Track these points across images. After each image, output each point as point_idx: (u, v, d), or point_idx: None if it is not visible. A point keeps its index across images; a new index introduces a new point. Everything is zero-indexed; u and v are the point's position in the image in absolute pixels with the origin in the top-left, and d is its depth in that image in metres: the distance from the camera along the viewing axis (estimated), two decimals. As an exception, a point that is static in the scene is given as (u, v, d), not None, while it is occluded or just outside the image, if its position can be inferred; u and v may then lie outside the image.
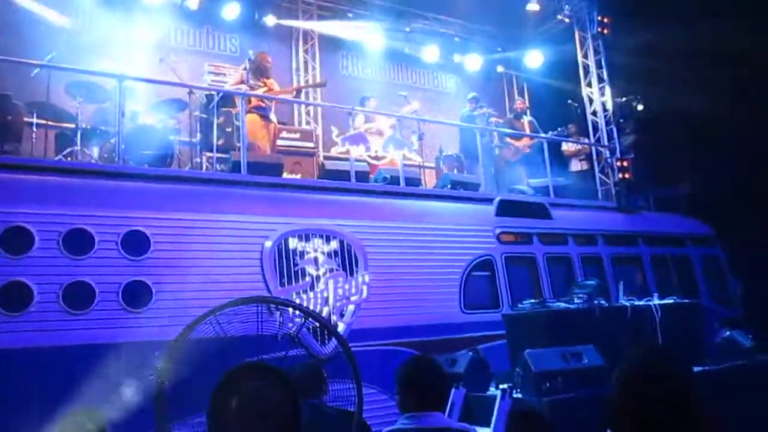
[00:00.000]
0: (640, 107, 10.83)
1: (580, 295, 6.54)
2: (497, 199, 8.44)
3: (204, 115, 8.33)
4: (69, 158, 6.95)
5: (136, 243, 5.77)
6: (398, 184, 8.13)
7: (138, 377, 4.80)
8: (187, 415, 2.92)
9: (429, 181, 10.07)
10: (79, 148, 7.03)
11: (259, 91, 8.37)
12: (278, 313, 5.24)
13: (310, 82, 10.89)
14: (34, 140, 7.04)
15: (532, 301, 6.77)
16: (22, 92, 7.32)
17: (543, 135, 10.46)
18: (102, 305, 5.49)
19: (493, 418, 5.24)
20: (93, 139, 7.34)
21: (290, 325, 5.89)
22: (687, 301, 7.27)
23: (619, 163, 10.43)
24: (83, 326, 5.37)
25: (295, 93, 9.66)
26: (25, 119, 7.10)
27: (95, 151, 7.31)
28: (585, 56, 11.31)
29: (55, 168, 6.22)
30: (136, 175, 6.40)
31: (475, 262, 7.67)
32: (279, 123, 9.01)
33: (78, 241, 5.53)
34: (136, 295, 5.64)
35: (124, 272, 5.65)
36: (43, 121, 7.28)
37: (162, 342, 5.29)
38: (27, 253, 5.30)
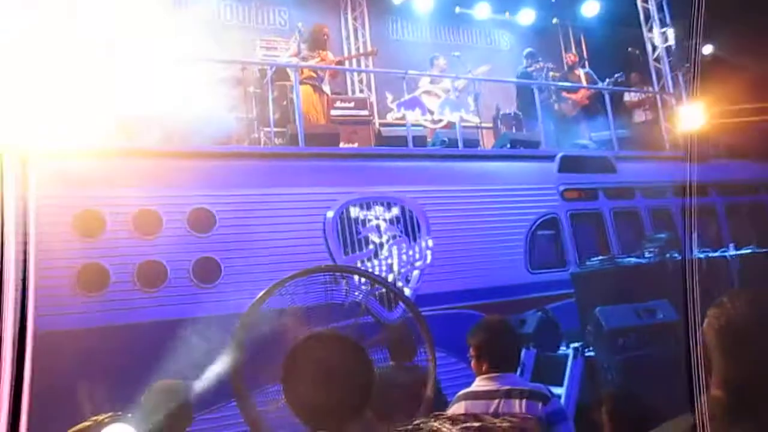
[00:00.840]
0: (706, 50, 10.30)
1: (651, 249, 6.37)
2: (559, 156, 8.23)
3: (258, 90, 8.37)
4: (132, 141, 7.13)
5: (202, 220, 5.91)
6: (456, 146, 8.01)
7: (213, 351, 4.94)
8: (264, 384, 2.97)
9: (488, 141, 9.89)
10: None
11: (312, 62, 8.36)
12: (344, 281, 5.29)
13: (361, 50, 10.79)
14: (98, 126, 7.25)
15: (601, 257, 6.63)
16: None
17: (602, 85, 10.10)
18: (174, 282, 5.67)
19: (566, 378, 5.20)
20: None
21: (356, 293, 5.95)
22: (765, 250, 6.95)
23: (685, 111, 9.98)
24: (157, 303, 5.56)
25: (344, 62, 9.61)
26: (89, 106, 7.31)
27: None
28: (645, 1, 10.79)
29: (120, 151, 6.39)
30: (198, 153, 6.51)
31: (539, 221, 7.54)
32: (333, 93, 8.99)
33: (147, 222, 5.70)
34: (206, 271, 5.80)
35: (192, 249, 5.81)
36: (106, 107, 7.48)
37: (233, 316, 5.43)
38: (101, 235, 5.49)
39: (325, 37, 8.68)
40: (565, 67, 10.96)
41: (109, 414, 2.30)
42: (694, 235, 6.85)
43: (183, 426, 3.72)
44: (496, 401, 2.69)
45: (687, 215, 8.25)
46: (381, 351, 3.91)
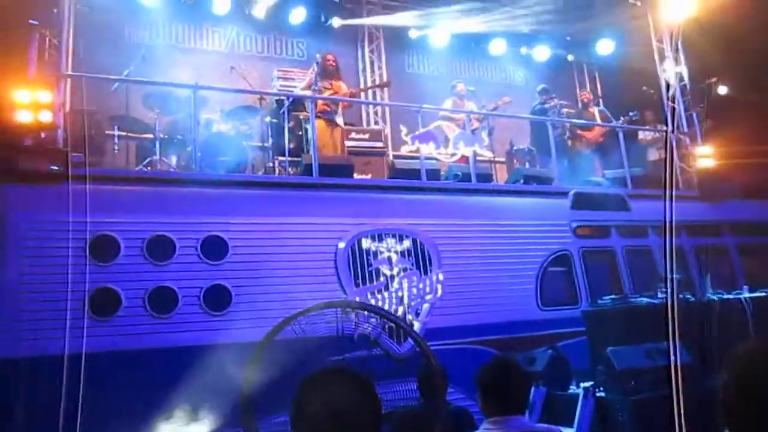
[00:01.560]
0: (721, 90, 10.33)
1: (664, 290, 6.30)
2: (572, 192, 8.22)
3: (275, 120, 8.47)
4: (149, 167, 7.22)
5: (214, 248, 5.95)
6: (469, 180, 8.03)
7: (222, 379, 4.94)
8: (271, 415, 2.97)
9: (501, 176, 9.91)
10: (158, 157, 7.29)
11: (326, 94, 8.46)
12: (354, 314, 5.28)
13: (377, 81, 10.91)
14: (116, 151, 7.36)
15: (613, 296, 6.58)
16: (103, 107, 7.67)
17: (616, 123, 10.13)
18: (184, 309, 5.69)
19: (576, 418, 5.13)
20: (170, 149, 7.60)
21: (366, 326, 5.94)
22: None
23: (699, 150, 9.98)
24: (167, 329, 5.58)
25: (359, 94, 9.72)
26: (107, 132, 7.43)
27: (173, 160, 7.56)
28: (660, 40, 10.87)
29: (137, 178, 6.47)
30: (213, 181, 6.57)
31: (551, 258, 7.51)
32: (347, 124, 9.07)
33: (160, 248, 5.74)
34: (217, 298, 5.81)
35: (204, 276, 5.83)
36: (124, 133, 7.62)
37: (242, 344, 5.44)
38: (114, 260, 5.54)
39: (333, 65, 8.78)
40: (580, 105, 11.00)
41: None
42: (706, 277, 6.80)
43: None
44: None
45: (699, 255, 8.19)
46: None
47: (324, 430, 1.87)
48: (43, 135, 6.05)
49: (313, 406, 1.89)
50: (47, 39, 6.57)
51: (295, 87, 9.56)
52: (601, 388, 5.24)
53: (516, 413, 2.76)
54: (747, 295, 6.55)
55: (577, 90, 12.75)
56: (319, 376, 1.98)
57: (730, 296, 6.44)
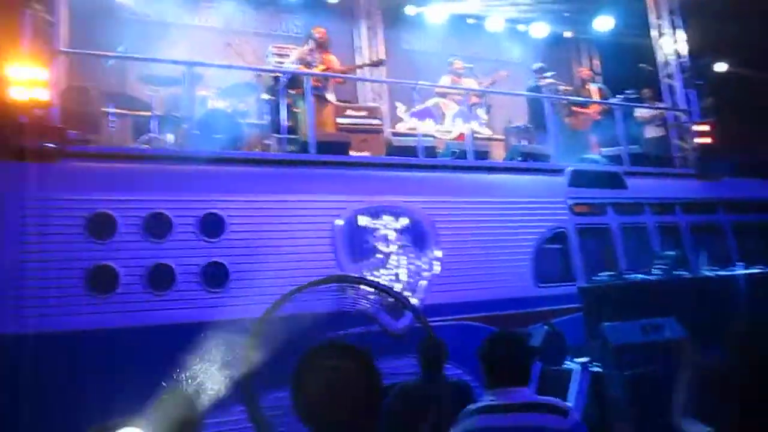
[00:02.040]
0: (719, 68, 10.30)
1: (659, 266, 6.36)
2: (569, 170, 8.23)
3: (271, 97, 8.43)
4: (146, 145, 7.20)
5: (212, 225, 5.94)
6: (466, 157, 8.03)
7: (222, 355, 4.98)
8: (271, 388, 3.00)
9: (498, 153, 9.91)
10: (154, 134, 7.26)
11: (318, 69, 8.40)
12: (351, 291, 5.32)
13: (373, 59, 10.83)
14: (112, 129, 7.33)
15: (608, 273, 6.62)
16: (99, 84, 7.62)
17: (612, 101, 10.11)
18: (182, 286, 5.70)
19: (571, 392, 5.20)
20: (167, 126, 7.56)
21: (363, 302, 5.98)
22: (775, 269, 6.93)
23: (697, 128, 9.98)
24: (166, 306, 5.60)
25: (354, 71, 9.66)
26: (103, 109, 7.39)
27: (169, 137, 7.53)
28: (658, 16, 10.80)
29: (134, 155, 6.45)
30: (209, 158, 6.54)
31: (547, 235, 7.53)
32: (341, 101, 9.01)
33: (157, 225, 5.74)
34: (214, 275, 5.82)
35: (202, 254, 5.84)
36: (120, 110, 7.57)
37: (240, 320, 5.48)
38: (112, 237, 5.54)
39: (323, 38, 8.68)
40: (578, 82, 10.96)
41: (121, 419, 2.32)
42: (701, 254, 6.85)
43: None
44: (512, 414, 2.69)
45: (695, 233, 8.21)
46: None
47: (324, 403, 1.90)
48: (38, 112, 6.00)
49: (313, 381, 1.92)
50: (40, 15, 6.49)
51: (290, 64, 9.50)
52: (596, 364, 5.30)
53: (518, 385, 2.79)
54: (741, 271, 6.61)
55: (574, 67, 12.71)
56: (318, 351, 2.01)
57: (724, 273, 6.50)
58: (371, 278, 6.34)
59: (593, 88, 10.71)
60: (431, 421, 3.46)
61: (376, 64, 10.07)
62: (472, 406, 2.84)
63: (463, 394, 4.06)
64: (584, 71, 11.26)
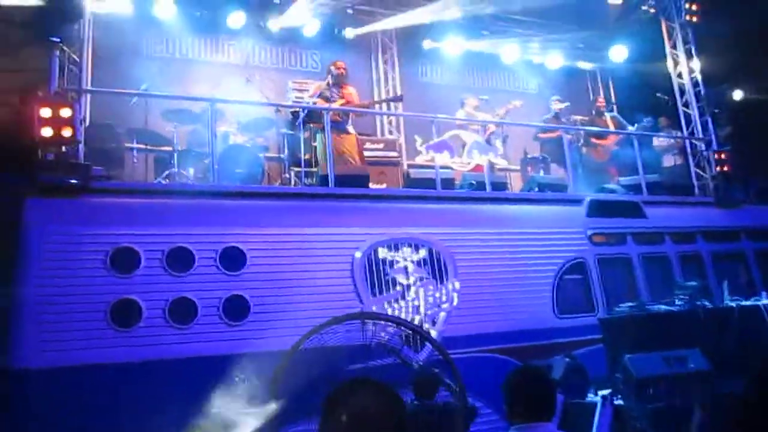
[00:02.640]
0: (736, 96, 10.29)
1: (681, 297, 6.29)
2: (587, 200, 8.22)
3: (290, 132, 8.56)
4: (167, 180, 7.32)
5: (232, 258, 6.00)
6: (484, 189, 8.06)
7: (242, 388, 5.00)
8: (294, 423, 3.02)
9: (515, 184, 9.93)
10: (176, 169, 7.39)
11: (338, 103, 8.53)
12: (371, 324, 5.33)
13: (391, 92, 10.98)
14: (135, 164, 7.48)
15: (630, 303, 6.55)
16: (122, 120, 7.79)
17: (630, 130, 10.12)
18: (204, 319, 5.74)
19: (595, 426, 5.12)
20: (188, 161, 7.70)
21: (383, 335, 5.97)
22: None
23: (716, 156, 9.95)
24: (188, 340, 5.64)
25: (372, 106, 9.78)
26: (126, 145, 7.55)
27: (191, 172, 7.66)
28: (674, 47, 10.86)
29: (156, 190, 6.56)
30: (230, 193, 6.64)
31: (567, 265, 7.50)
32: (361, 134, 9.11)
33: (179, 259, 5.81)
34: (235, 308, 5.86)
35: (223, 287, 5.89)
36: (143, 146, 7.74)
37: (260, 354, 5.50)
38: (135, 271, 5.62)
39: (342, 72, 8.79)
40: (593, 112, 11.01)
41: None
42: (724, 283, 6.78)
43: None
44: None
45: (717, 262, 8.12)
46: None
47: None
48: (64, 149, 6.15)
49: (341, 416, 1.94)
50: (67, 54, 6.69)
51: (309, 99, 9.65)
52: (619, 396, 5.23)
53: (544, 420, 2.78)
54: (765, 301, 6.52)
55: (591, 96, 12.76)
56: (347, 387, 2.03)
57: (748, 303, 6.41)
58: (390, 310, 6.35)
59: (608, 117, 10.73)
60: None
61: (395, 99, 10.20)
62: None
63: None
64: (600, 101, 11.29)
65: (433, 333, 6.57)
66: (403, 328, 4.84)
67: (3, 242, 5.72)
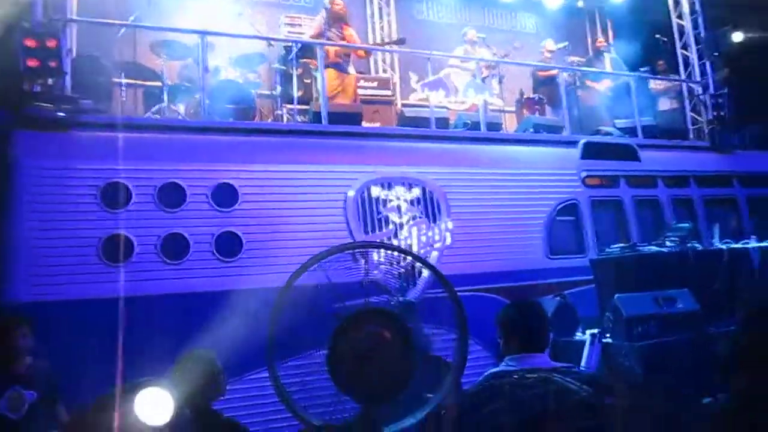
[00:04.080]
0: (736, 38, 10.12)
1: (673, 239, 6.33)
2: (582, 142, 8.16)
3: (283, 68, 8.38)
4: (157, 115, 7.19)
5: (224, 195, 5.96)
6: (479, 129, 7.98)
7: (236, 323, 5.03)
8: (289, 356, 3.03)
9: (510, 125, 9.84)
10: (166, 104, 7.25)
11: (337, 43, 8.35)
12: (363, 260, 5.33)
13: (386, 29, 10.76)
14: (123, 99, 7.32)
15: (621, 245, 6.60)
16: (110, 53, 7.58)
17: (627, 73, 9.99)
18: (196, 255, 5.73)
19: (583, 361, 5.22)
20: (178, 96, 7.55)
21: (375, 272, 5.98)
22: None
23: (712, 100, 9.86)
24: (180, 275, 5.64)
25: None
26: (115, 79, 7.37)
27: (181, 108, 7.52)
28: (674, -14, 10.62)
29: (146, 125, 6.45)
30: (222, 128, 6.54)
31: (559, 207, 7.50)
32: (358, 72, 8.96)
33: (171, 195, 5.76)
34: (228, 245, 5.85)
35: (215, 223, 5.87)
36: (131, 81, 7.55)
37: (253, 290, 5.51)
38: (126, 206, 5.57)
39: (342, 10, 8.59)
40: (592, 53, 10.82)
41: (145, 378, 2.35)
42: (715, 227, 6.82)
43: (216, 393, 3.81)
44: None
45: (708, 206, 8.16)
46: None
47: (359, 362, 1.92)
48: (50, 81, 5.99)
49: (352, 346, 1.95)
50: (52, -17, 6.45)
51: (302, 34, 9.44)
52: (608, 335, 5.32)
53: (536, 351, 2.81)
54: (755, 245, 6.58)
55: (589, 38, 12.55)
56: (355, 316, 2.03)
57: (738, 246, 6.47)
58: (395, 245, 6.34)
59: (607, 59, 10.57)
60: None
61: (397, 42, 9.99)
62: (491, 371, 2.86)
63: None
64: (599, 42, 11.11)
65: (426, 272, 6.59)
66: (398, 261, 4.83)
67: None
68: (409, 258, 4.73)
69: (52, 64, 5.85)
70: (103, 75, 7.16)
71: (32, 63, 5.79)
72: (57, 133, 5.71)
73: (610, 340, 5.25)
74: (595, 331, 5.41)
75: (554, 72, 9.59)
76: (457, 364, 3.17)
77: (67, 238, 5.38)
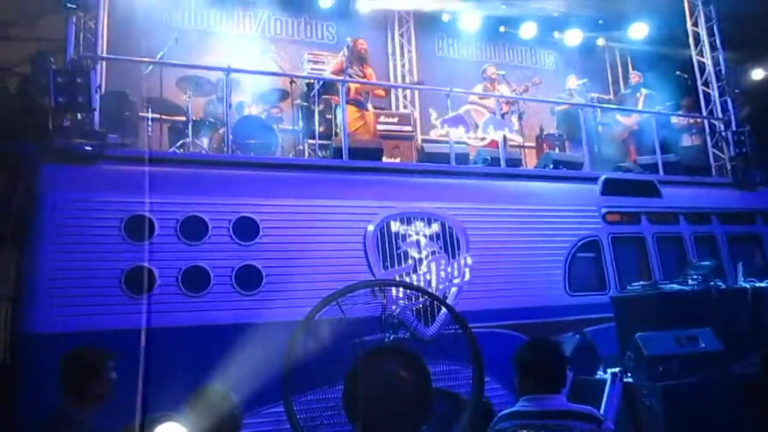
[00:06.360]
0: (756, 75, 10.10)
1: (695, 277, 6.25)
2: (602, 178, 8.14)
3: (305, 104, 8.52)
4: (181, 149, 7.33)
5: (246, 229, 6.02)
6: (499, 165, 8.01)
7: (254, 356, 5.04)
8: (307, 390, 3.04)
9: (530, 161, 9.86)
10: (190, 139, 7.39)
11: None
12: (382, 296, 5.33)
13: (407, 66, 10.92)
14: (149, 133, 7.48)
15: (642, 282, 6.53)
16: (137, 89, 7.78)
17: (647, 110, 9.99)
18: (216, 288, 5.78)
19: (603, 403, 5.14)
20: (202, 131, 7.70)
21: (393, 307, 5.99)
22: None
23: (734, 137, 9.80)
24: (200, 308, 5.68)
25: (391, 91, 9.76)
26: (141, 114, 7.55)
27: (205, 142, 7.67)
28: (695, 24, 10.64)
29: (171, 159, 6.58)
30: (244, 163, 6.65)
31: (579, 243, 7.46)
32: (376, 108, 9.08)
33: (193, 228, 5.84)
34: (248, 278, 5.89)
35: (235, 257, 5.92)
36: (157, 115, 7.73)
37: (273, 324, 5.53)
38: (149, 239, 5.65)
39: (364, 51, 8.78)
40: (627, 89, 10.81)
41: (162, 413, 2.37)
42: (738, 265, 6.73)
43: (232, 429, 3.80)
44: (548, 421, 2.68)
45: (731, 243, 8.06)
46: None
47: (378, 404, 1.93)
48: (79, 116, 6.16)
49: (369, 383, 1.95)
50: (83, 22, 6.67)
51: (324, 71, 9.60)
52: (629, 374, 5.23)
53: (553, 392, 2.78)
54: (781, 283, 6.47)
55: (609, 74, 12.60)
56: (374, 353, 2.04)
57: (762, 284, 6.36)
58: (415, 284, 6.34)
59: (642, 95, 10.58)
60: None
61: (415, 85, 10.08)
62: (505, 411, 2.83)
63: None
64: (635, 77, 11.12)
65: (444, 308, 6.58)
66: (416, 297, 4.83)
67: (18, 209, 5.77)
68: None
69: (82, 99, 6.02)
70: (130, 110, 7.36)
71: (62, 99, 5.96)
72: (83, 167, 5.84)
73: (631, 380, 5.16)
74: (616, 370, 5.32)
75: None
76: (473, 401, 3.15)
77: (91, 269, 5.47)
